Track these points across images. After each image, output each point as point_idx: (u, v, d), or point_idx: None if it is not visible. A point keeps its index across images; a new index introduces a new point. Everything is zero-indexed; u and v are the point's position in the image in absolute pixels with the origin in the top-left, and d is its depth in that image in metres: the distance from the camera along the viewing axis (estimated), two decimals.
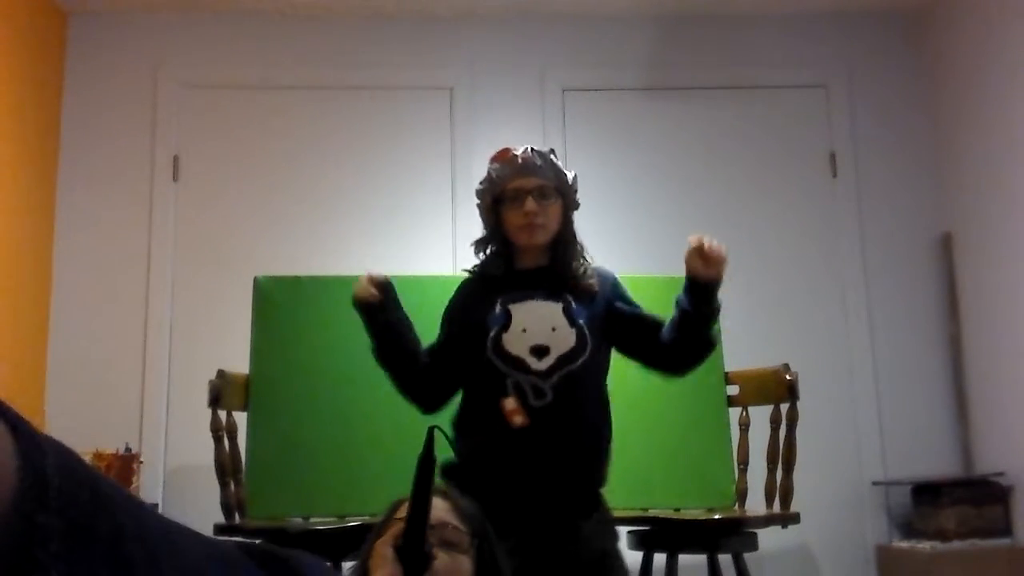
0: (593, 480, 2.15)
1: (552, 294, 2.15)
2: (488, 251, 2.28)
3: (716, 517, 2.66)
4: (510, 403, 2.03)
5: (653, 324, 2.21)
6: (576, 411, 2.09)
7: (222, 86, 3.88)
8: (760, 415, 2.83)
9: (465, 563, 1.49)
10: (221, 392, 2.66)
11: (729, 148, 3.93)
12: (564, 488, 2.08)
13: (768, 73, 3.99)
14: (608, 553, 2.10)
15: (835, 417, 3.69)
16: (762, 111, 3.96)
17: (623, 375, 2.93)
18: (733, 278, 3.44)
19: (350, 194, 3.80)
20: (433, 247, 3.69)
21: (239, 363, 2.86)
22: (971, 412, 3.68)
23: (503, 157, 2.24)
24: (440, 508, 1.52)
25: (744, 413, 2.89)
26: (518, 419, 2.02)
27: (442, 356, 2.21)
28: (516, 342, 2.08)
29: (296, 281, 3.02)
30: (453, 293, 2.33)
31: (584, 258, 2.26)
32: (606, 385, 2.23)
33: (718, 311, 2.13)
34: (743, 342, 3.20)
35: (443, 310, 2.30)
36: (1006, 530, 3.38)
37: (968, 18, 3.75)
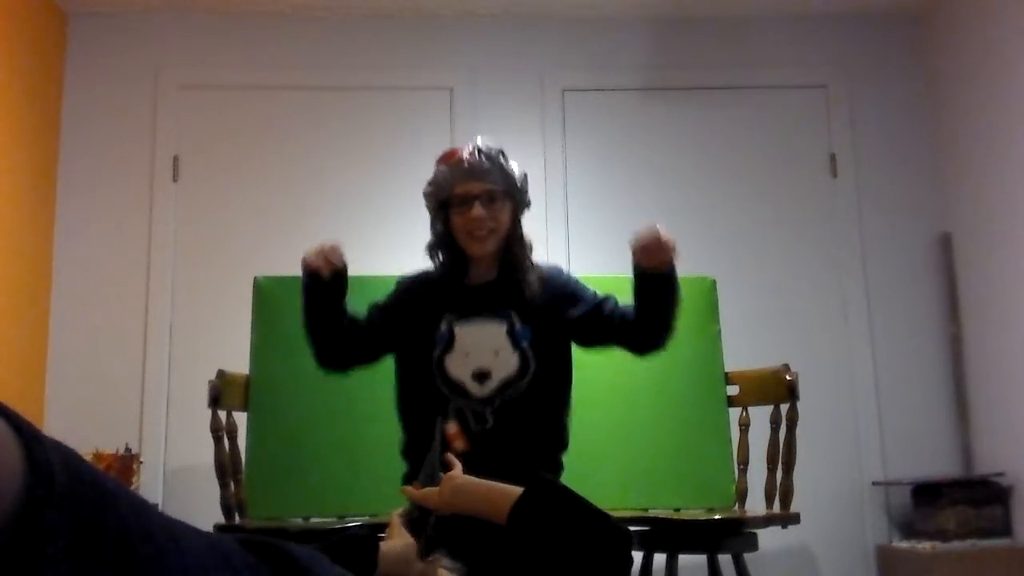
0: None
1: (497, 313, 2.11)
2: (439, 257, 2.23)
3: (716, 517, 2.65)
4: (451, 427, 2.02)
5: (607, 313, 2.17)
6: (518, 436, 2.06)
7: (222, 87, 3.88)
8: (760, 415, 2.83)
9: None
10: (221, 392, 2.66)
11: (729, 148, 3.93)
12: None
13: (768, 73, 3.99)
14: None
15: (835, 417, 3.69)
16: (762, 111, 3.96)
17: (623, 375, 2.93)
18: (733, 278, 3.46)
19: (350, 194, 3.80)
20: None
21: (239, 363, 2.86)
22: (971, 412, 3.68)
23: (449, 159, 2.19)
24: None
25: (744, 413, 2.89)
26: (459, 444, 2.00)
27: (363, 337, 2.17)
28: (458, 366, 2.05)
29: (296, 281, 3.01)
30: (395, 289, 2.28)
31: (531, 262, 2.21)
32: (563, 405, 2.18)
33: (673, 299, 2.10)
34: (743, 342, 3.20)
35: (379, 299, 2.25)
36: (1006, 530, 3.38)
37: (968, 19, 3.75)
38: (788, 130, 3.95)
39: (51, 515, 0.55)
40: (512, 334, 2.09)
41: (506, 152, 2.25)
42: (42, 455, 0.57)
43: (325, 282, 2.12)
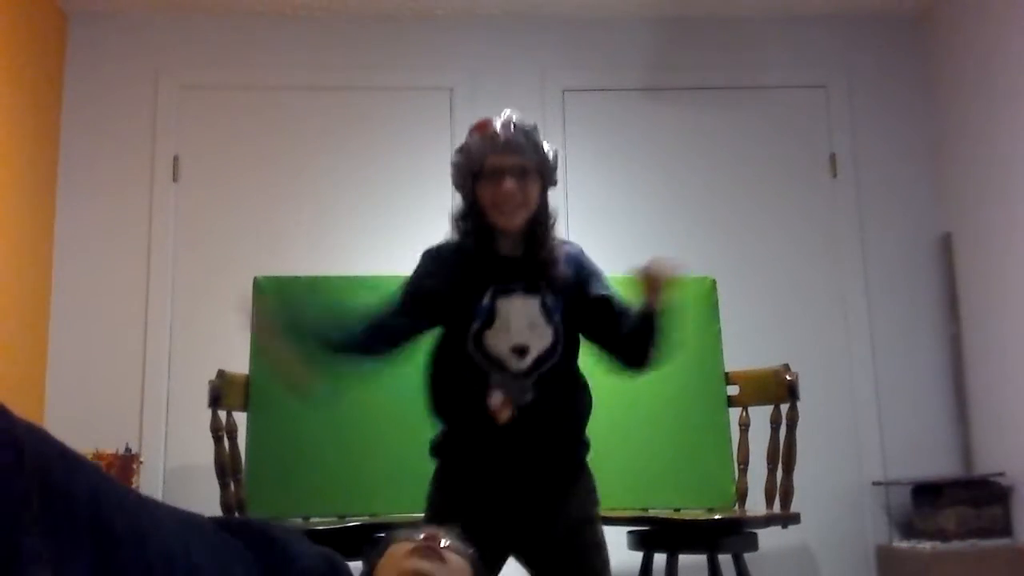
0: (577, 454, 2.17)
1: (531, 287, 2.11)
2: (467, 227, 2.20)
3: (716, 517, 2.65)
4: (496, 401, 2.03)
5: (616, 308, 2.16)
6: (556, 402, 2.09)
7: (222, 87, 3.88)
8: (760, 415, 2.83)
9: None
10: (221, 392, 2.67)
11: (729, 148, 3.93)
12: (548, 469, 2.10)
13: (768, 73, 3.99)
14: (588, 520, 2.13)
15: (835, 417, 3.69)
16: (762, 111, 3.96)
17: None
18: (733, 278, 3.46)
19: (350, 194, 3.80)
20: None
21: (239, 363, 2.86)
22: (971, 412, 3.68)
23: (483, 130, 2.16)
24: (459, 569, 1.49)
25: (744, 413, 2.89)
26: (504, 415, 2.02)
27: (392, 320, 2.14)
28: (498, 341, 2.05)
29: (296, 281, 3.02)
30: (423, 261, 2.24)
31: (556, 239, 2.22)
32: (576, 362, 2.20)
33: (663, 332, 2.09)
34: (743, 342, 3.21)
35: (407, 281, 2.21)
36: (1006, 530, 3.38)
37: (968, 19, 3.75)
38: (788, 130, 3.96)
39: (20, 481, 0.56)
40: (545, 308, 2.09)
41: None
42: (7, 423, 0.57)
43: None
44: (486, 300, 2.08)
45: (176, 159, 3.78)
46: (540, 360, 2.06)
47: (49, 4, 3.73)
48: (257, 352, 2.81)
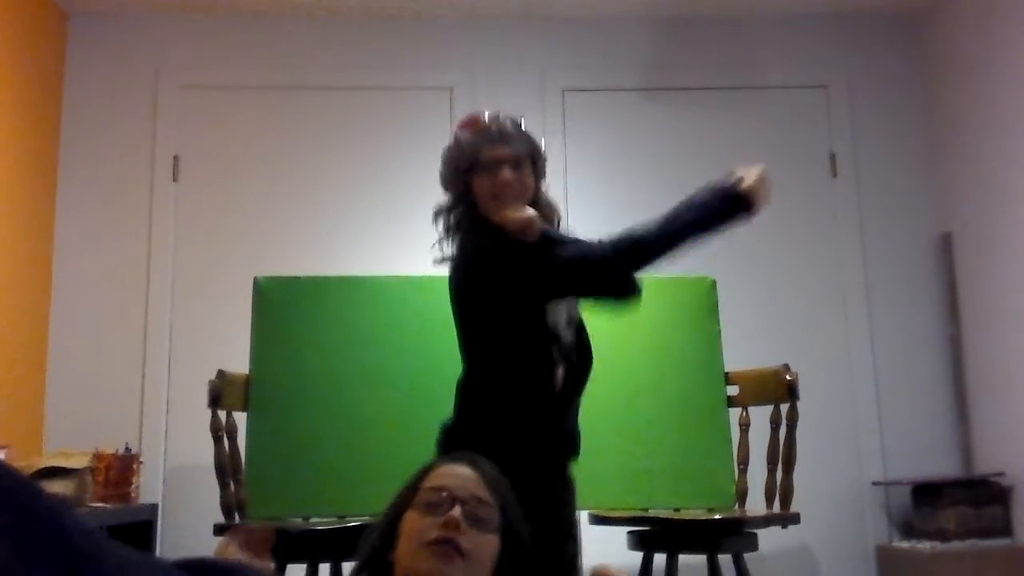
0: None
1: None
2: (452, 218, 2.22)
3: (716, 517, 2.66)
4: (559, 373, 2.06)
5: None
6: (586, 369, 2.15)
7: (222, 86, 3.88)
8: (760, 415, 2.84)
9: (492, 542, 1.46)
10: (221, 392, 2.67)
11: (729, 148, 3.93)
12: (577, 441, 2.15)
13: (768, 73, 3.99)
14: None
15: (835, 417, 3.69)
16: (762, 111, 3.96)
17: (623, 375, 2.93)
18: (733, 278, 3.45)
19: (350, 194, 3.80)
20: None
21: (239, 363, 2.86)
22: (971, 412, 3.68)
23: (474, 125, 2.19)
24: (469, 479, 1.50)
25: (744, 413, 2.89)
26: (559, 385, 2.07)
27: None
28: (557, 313, 2.09)
29: (296, 281, 3.02)
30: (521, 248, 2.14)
31: (555, 226, 2.25)
32: None
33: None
34: (743, 342, 3.21)
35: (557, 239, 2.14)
36: (1006, 530, 3.38)
37: (967, 19, 3.75)
38: (788, 130, 3.95)
39: None
40: None
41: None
42: None
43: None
44: None
45: (176, 159, 3.78)
46: (578, 329, 2.13)
47: (49, 4, 3.73)
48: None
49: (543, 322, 2.06)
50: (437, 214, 2.26)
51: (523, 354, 2.08)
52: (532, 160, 2.19)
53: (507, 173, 2.11)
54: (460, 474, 1.51)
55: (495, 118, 2.18)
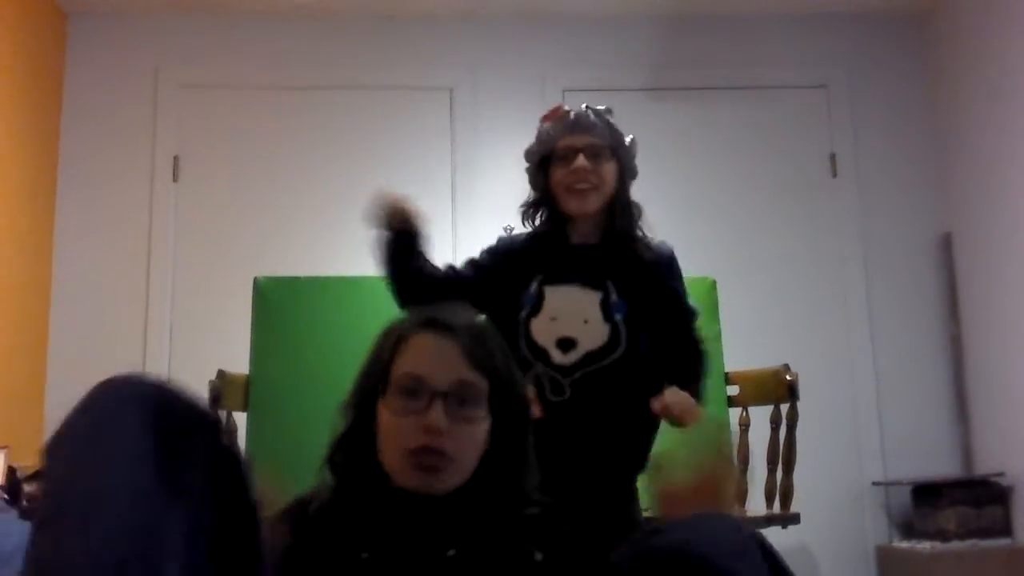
0: (614, 483, 1.96)
1: (593, 280, 1.97)
2: (539, 217, 2.09)
3: None
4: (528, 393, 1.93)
5: (680, 316, 2.06)
6: (596, 415, 1.92)
7: (222, 86, 3.88)
8: (760, 415, 2.83)
9: (481, 424, 1.26)
10: (221, 392, 2.66)
11: (729, 148, 3.93)
12: (577, 485, 1.81)
13: (768, 73, 3.99)
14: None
15: (835, 417, 3.69)
16: (762, 111, 3.96)
17: None
18: (733, 278, 3.45)
19: (350, 194, 3.78)
20: (433, 247, 3.69)
21: (239, 363, 2.86)
22: (971, 412, 3.68)
23: (555, 115, 2.08)
24: (448, 357, 1.26)
25: (744, 413, 2.89)
26: (534, 410, 1.91)
27: (454, 287, 2.05)
28: (544, 331, 1.94)
29: (296, 281, 3.01)
30: (493, 245, 2.12)
31: (642, 231, 2.10)
32: (649, 381, 1.99)
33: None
34: (743, 342, 3.20)
35: (484, 250, 2.11)
36: (1006, 530, 3.38)
37: (968, 19, 3.75)
38: (788, 130, 3.95)
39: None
40: (606, 304, 1.95)
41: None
42: None
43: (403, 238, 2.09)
44: (533, 287, 1.98)
45: (176, 159, 3.78)
46: (589, 358, 1.92)
47: (49, 4, 3.73)
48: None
49: (516, 335, 1.94)
50: (523, 214, 2.13)
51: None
52: (615, 153, 2.05)
53: (580, 161, 1.98)
54: (437, 352, 1.27)
55: (579, 106, 2.07)
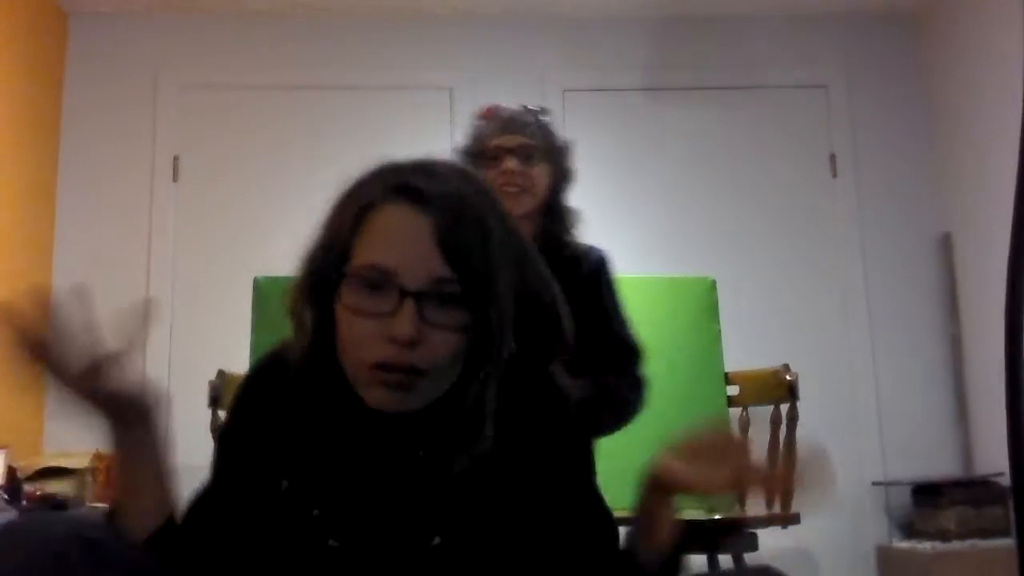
0: None
1: None
2: None
3: (716, 517, 2.65)
4: None
5: (613, 339, 1.97)
6: None
7: (222, 87, 3.88)
8: (760, 415, 2.83)
9: (458, 329, 0.99)
10: (221, 392, 2.66)
11: (729, 148, 3.93)
12: None
13: (768, 73, 3.99)
14: None
15: (835, 417, 3.69)
16: (762, 111, 3.96)
17: None
18: (733, 278, 3.45)
19: None
20: None
21: (239, 363, 2.85)
22: (971, 412, 3.68)
23: (487, 113, 2.04)
24: (421, 245, 0.98)
25: (744, 413, 2.89)
26: None
27: None
28: None
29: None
30: None
31: (573, 240, 2.03)
32: None
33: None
34: (743, 342, 3.20)
35: None
36: (1006, 530, 3.37)
37: (967, 19, 3.75)
38: (788, 130, 3.96)
39: None
40: None
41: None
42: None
43: None
44: None
45: (176, 159, 3.78)
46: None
47: (49, 4, 3.73)
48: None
49: None
50: None
51: None
52: (549, 155, 1.99)
53: (510, 162, 1.94)
54: (408, 236, 0.99)
55: (512, 106, 2.02)
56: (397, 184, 1.04)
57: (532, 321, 1.05)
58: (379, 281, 0.98)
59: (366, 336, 0.98)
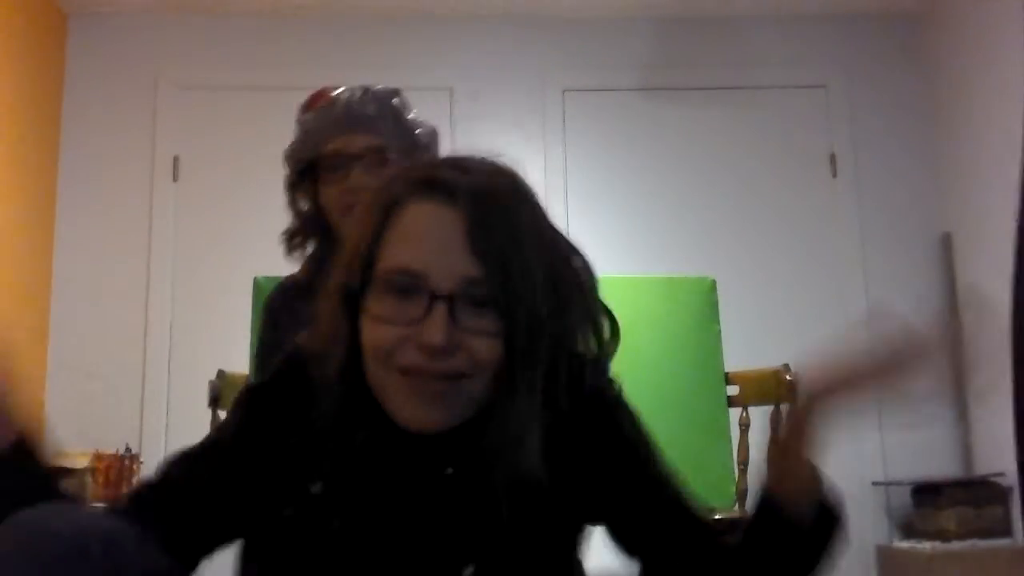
0: None
1: None
2: (308, 247, 1.46)
3: (716, 517, 2.65)
4: None
5: None
6: None
7: (222, 87, 3.88)
8: (760, 415, 2.83)
9: (494, 333, 0.91)
10: (221, 392, 2.66)
11: (729, 148, 3.93)
12: None
13: (768, 73, 3.99)
14: None
15: (835, 417, 3.69)
16: (762, 111, 3.96)
17: (622, 375, 2.93)
18: (733, 278, 3.45)
19: None
20: None
21: (239, 363, 2.86)
22: (971, 412, 3.68)
23: (316, 101, 1.50)
24: (452, 247, 0.91)
25: (744, 413, 2.89)
26: None
27: None
28: None
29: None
30: (262, 313, 1.53)
31: None
32: None
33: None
34: (743, 342, 3.20)
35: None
36: (1006, 530, 3.38)
37: (967, 19, 3.75)
38: (788, 130, 3.95)
39: None
40: None
41: (426, 128, 1.58)
42: None
43: None
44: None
45: (176, 159, 3.78)
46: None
47: (49, 4, 3.72)
48: None
49: None
50: (287, 244, 1.46)
51: None
52: (409, 157, 1.49)
53: (358, 176, 1.43)
54: (438, 234, 0.91)
55: (351, 93, 1.48)
56: (424, 178, 0.94)
57: (571, 324, 0.97)
58: (408, 286, 0.90)
59: (392, 341, 0.90)
